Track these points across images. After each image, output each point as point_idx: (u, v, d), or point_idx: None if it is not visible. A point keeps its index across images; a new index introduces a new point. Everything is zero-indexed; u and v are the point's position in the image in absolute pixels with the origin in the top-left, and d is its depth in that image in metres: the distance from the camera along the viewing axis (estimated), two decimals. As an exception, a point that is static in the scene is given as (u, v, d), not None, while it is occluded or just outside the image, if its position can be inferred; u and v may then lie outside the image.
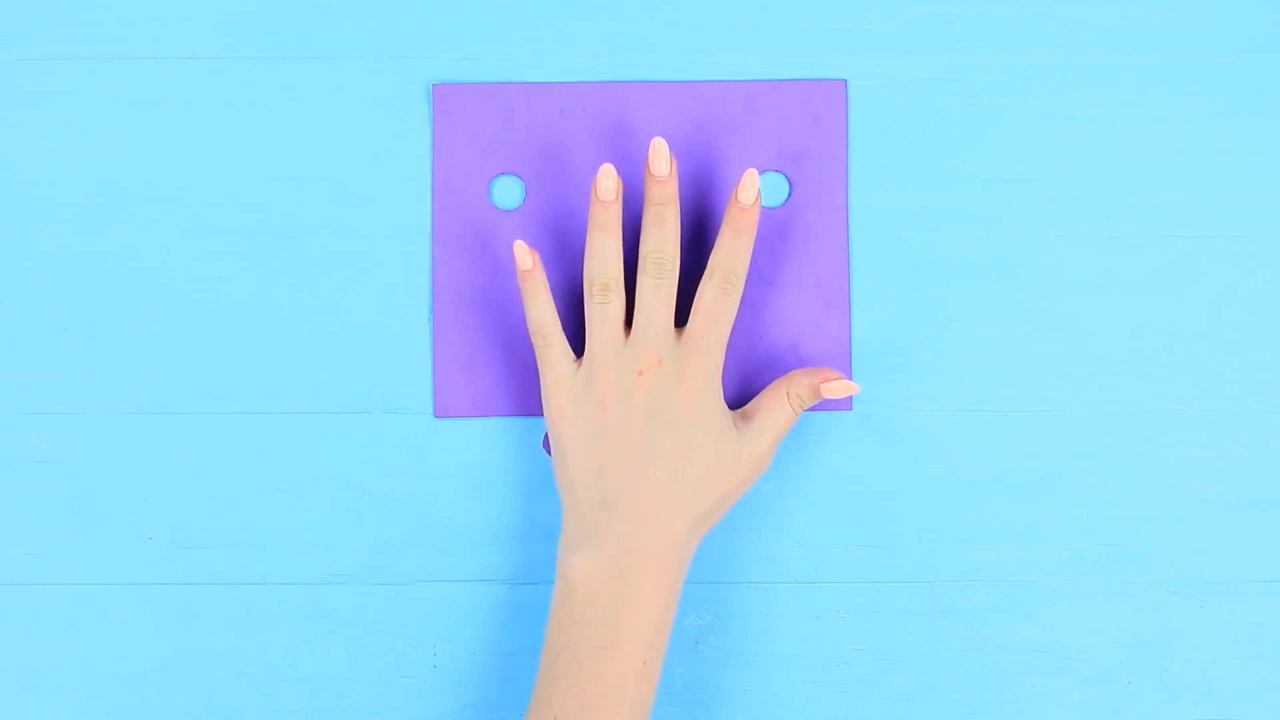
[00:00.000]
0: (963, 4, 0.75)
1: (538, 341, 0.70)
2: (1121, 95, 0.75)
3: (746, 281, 0.72)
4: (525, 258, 0.70)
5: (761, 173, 0.74)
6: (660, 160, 0.69)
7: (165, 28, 0.75)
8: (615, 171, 0.69)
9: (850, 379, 0.72)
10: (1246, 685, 0.74)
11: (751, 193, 0.69)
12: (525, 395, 0.74)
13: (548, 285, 0.70)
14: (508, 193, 0.75)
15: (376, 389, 0.74)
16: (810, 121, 0.74)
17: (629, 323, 0.70)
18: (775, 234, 0.74)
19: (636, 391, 0.68)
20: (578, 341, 0.73)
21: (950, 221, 0.75)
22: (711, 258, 0.70)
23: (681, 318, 0.72)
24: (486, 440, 0.74)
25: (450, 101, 0.74)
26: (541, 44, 0.75)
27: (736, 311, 0.70)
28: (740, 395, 0.74)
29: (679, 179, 0.72)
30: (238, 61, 0.75)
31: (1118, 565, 0.74)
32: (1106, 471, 0.74)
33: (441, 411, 0.74)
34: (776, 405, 0.70)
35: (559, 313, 0.72)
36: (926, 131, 0.75)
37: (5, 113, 0.75)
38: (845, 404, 0.74)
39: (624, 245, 0.72)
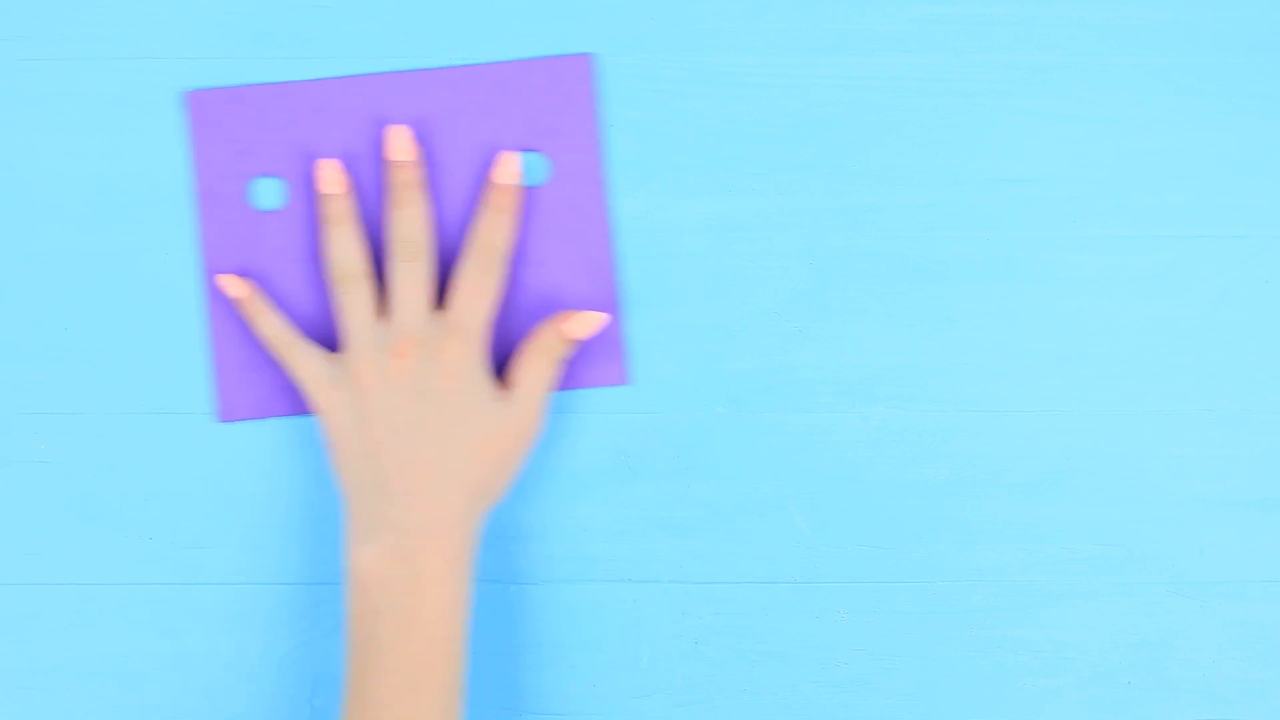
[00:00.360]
0: (963, 4, 0.75)
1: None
2: (1121, 95, 0.75)
3: (514, 263, 0.73)
4: (337, 178, 0.71)
5: (522, 153, 0.73)
6: (399, 144, 0.70)
7: (165, 28, 0.75)
8: (339, 164, 0.71)
9: (601, 321, 0.71)
10: (1246, 685, 0.74)
11: (508, 172, 0.70)
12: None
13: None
14: (270, 194, 0.74)
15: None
16: (561, 99, 0.73)
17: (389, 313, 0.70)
18: (538, 213, 0.73)
19: (397, 373, 0.68)
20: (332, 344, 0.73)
21: (950, 221, 0.75)
22: (467, 237, 0.71)
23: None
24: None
25: (206, 107, 0.73)
26: (539, 27, 0.75)
27: (500, 290, 0.71)
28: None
29: (430, 166, 0.72)
30: (238, 61, 0.75)
31: (1118, 565, 0.74)
32: (1106, 471, 0.74)
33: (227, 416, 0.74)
34: (531, 364, 0.70)
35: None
36: (926, 131, 0.75)
37: (5, 113, 0.75)
38: (617, 376, 0.73)
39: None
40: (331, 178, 0.71)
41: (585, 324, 0.70)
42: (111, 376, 0.74)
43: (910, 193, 0.75)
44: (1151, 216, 0.75)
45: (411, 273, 0.69)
